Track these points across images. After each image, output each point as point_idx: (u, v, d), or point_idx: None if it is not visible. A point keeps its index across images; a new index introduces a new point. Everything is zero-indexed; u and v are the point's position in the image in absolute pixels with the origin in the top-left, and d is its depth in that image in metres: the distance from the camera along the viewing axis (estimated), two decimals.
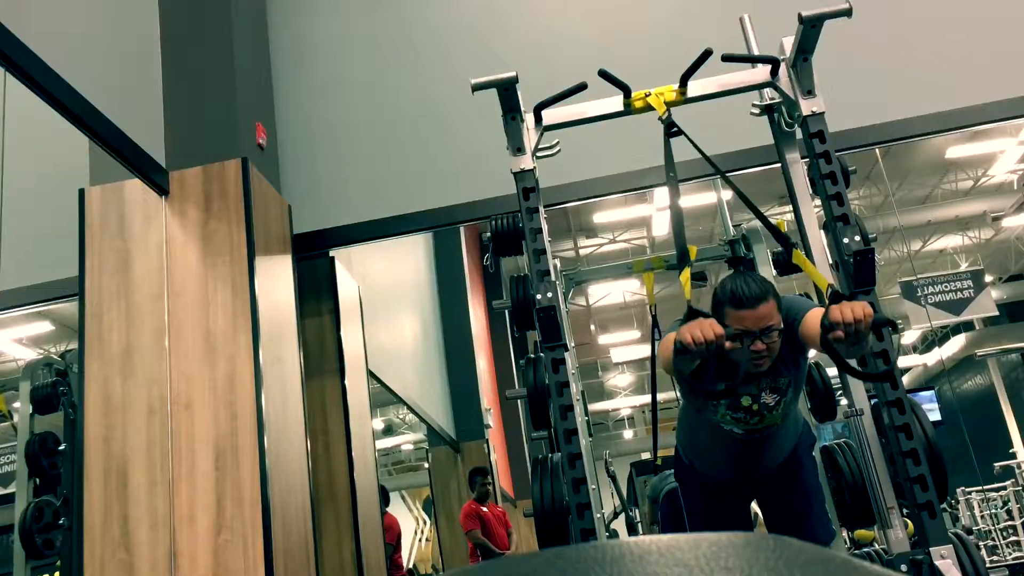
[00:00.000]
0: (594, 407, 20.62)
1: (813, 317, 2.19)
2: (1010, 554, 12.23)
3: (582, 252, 14.07)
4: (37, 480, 4.15)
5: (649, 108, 2.87)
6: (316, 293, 4.13)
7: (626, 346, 16.79)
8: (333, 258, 4.23)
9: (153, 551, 2.93)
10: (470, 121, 4.00)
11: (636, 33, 4.08)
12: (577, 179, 3.86)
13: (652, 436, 4.19)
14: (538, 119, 2.94)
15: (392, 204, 4.02)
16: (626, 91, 2.88)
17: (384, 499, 6.28)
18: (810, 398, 3.97)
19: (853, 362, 2.41)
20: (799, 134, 2.90)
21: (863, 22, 3.09)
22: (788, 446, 2.68)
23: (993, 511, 12.93)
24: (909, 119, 3.72)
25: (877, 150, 10.17)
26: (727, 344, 2.04)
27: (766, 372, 2.37)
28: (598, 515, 2.61)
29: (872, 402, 2.61)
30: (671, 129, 2.63)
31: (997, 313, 12.16)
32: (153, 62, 3.56)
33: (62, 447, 4.24)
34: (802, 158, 2.95)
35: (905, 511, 2.51)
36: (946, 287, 10.89)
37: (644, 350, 16.21)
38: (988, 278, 14.07)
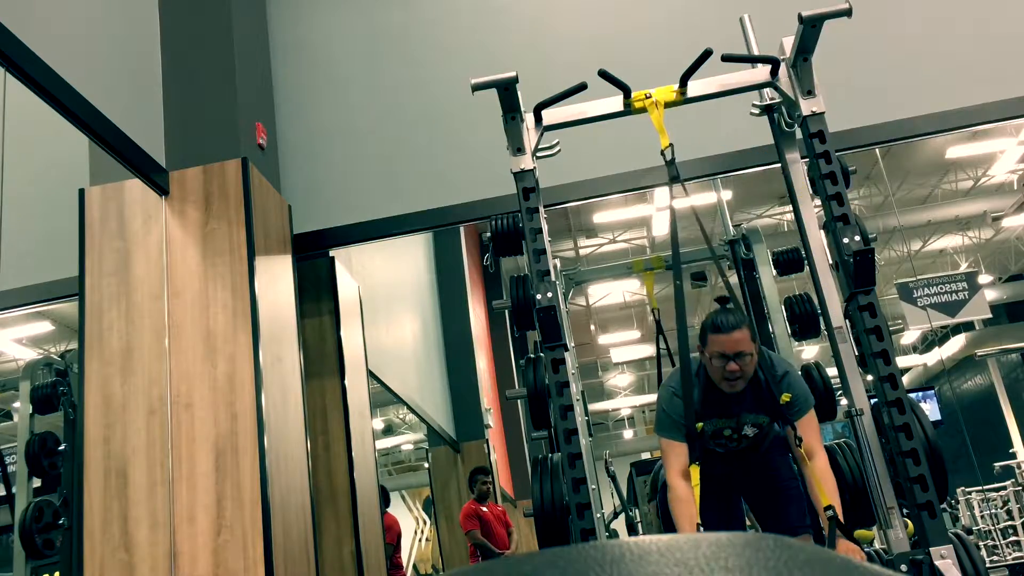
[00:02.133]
0: (594, 407, 20.62)
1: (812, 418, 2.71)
2: (1010, 554, 12.23)
3: (582, 252, 14.06)
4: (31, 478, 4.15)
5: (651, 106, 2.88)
6: (316, 293, 4.13)
7: (626, 346, 16.79)
8: (333, 258, 4.23)
9: (153, 551, 2.93)
10: (470, 121, 4.00)
11: (636, 33, 4.08)
12: (577, 179, 3.86)
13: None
14: (538, 119, 2.94)
15: (392, 204, 4.02)
16: (626, 91, 2.88)
17: (384, 499, 6.28)
18: None
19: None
20: (799, 134, 2.90)
21: (863, 22, 3.09)
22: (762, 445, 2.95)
23: (993, 511, 12.93)
24: (909, 119, 3.72)
25: (877, 150, 10.17)
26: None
27: (751, 409, 2.73)
28: (598, 515, 2.61)
29: (872, 402, 2.61)
30: (670, 167, 2.78)
31: (991, 315, 12.14)
32: (153, 62, 3.56)
33: (62, 447, 4.24)
34: (802, 158, 2.95)
35: (905, 511, 2.51)
36: (941, 288, 10.88)
37: (644, 350, 16.22)
38: (986, 279, 14.09)
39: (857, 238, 2.54)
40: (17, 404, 4.50)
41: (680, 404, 2.67)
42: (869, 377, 2.61)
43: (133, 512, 2.98)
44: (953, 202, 13.15)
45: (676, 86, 2.90)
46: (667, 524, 3.16)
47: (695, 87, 2.90)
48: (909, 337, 17.58)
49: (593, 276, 6.67)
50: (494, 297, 11.38)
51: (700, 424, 2.72)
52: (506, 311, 3.47)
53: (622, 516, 6.84)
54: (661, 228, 12.84)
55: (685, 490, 2.60)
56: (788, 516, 2.93)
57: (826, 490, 2.54)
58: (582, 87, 2.80)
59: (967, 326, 15.10)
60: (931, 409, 10.61)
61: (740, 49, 3.06)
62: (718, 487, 2.91)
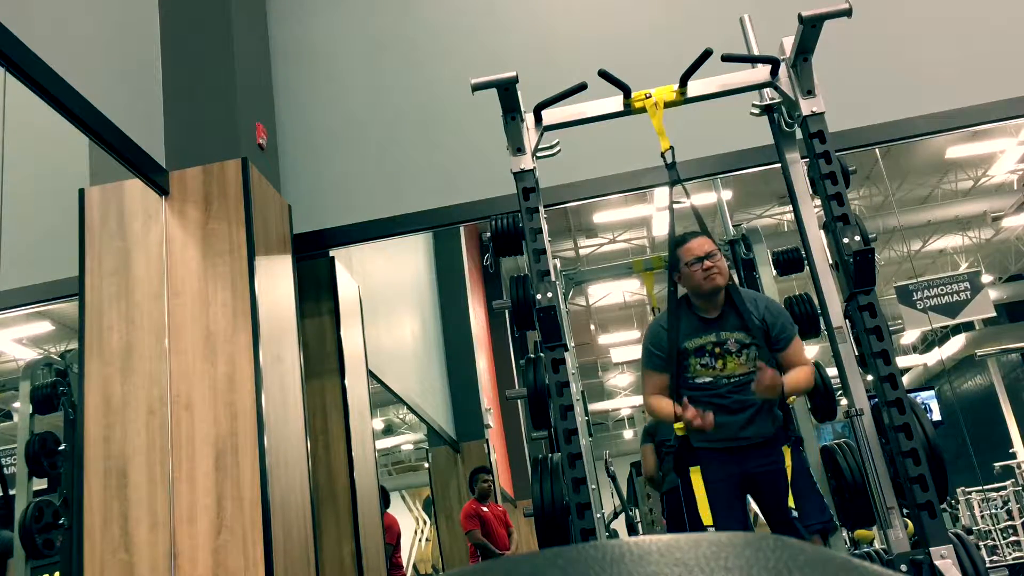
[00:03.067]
0: (594, 407, 20.61)
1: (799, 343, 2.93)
2: (1010, 554, 12.23)
3: (582, 252, 14.06)
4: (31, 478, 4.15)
5: (649, 107, 2.88)
6: (316, 293, 4.13)
7: (626, 346, 16.78)
8: (333, 258, 4.23)
9: (153, 551, 2.93)
10: (470, 121, 4.00)
11: (636, 33, 4.08)
12: (577, 179, 3.86)
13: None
14: (538, 119, 2.94)
15: (392, 204, 4.02)
16: (626, 91, 2.89)
17: (384, 500, 6.28)
18: (810, 398, 3.98)
19: None
20: (799, 134, 2.90)
21: (863, 22, 3.09)
22: (765, 422, 2.87)
23: (993, 511, 12.93)
24: (909, 119, 3.72)
25: (877, 150, 10.17)
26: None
27: (732, 325, 2.88)
28: (598, 515, 2.61)
29: (872, 402, 2.61)
30: (671, 171, 2.92)
31: (995, 314, 12.14)
32: (153, 62, 3.56)
33: (62, 447, 4.24)
34: (802, 158, 2.95)
35: (905, 511, 2.51)
36: (942, 290, 10.85)
37: None
38: (986, 279, 14.08)
39: (857, 238, 2.54)
40: (17, 404, 4.50)
41: (663, 334, 2.93)
42: (869, 377, 2.61)
43: (133, 512, 2.98)
44: (953, 202, 13.15)
45: (676, 86, 2.90)
46: (672, 524, 3.16)
47: (695, 87, 2.90)
48: (909, 337, 17.57)
49: (593, 276, 6.67)
50: (494, 297, 11.37)
51: (688, 343, 2.91)
52: (506, 311, 3.47)
53: (622, 516, 6.84)
54: (661, 228, 12.83)
55: (660, 398, 2.92)
56: (801, 514, 2.82)
57: (797, 379, 2.82)
58: (582, 87, 2.80)
59: (967, 326, 15.10)
60: (931, 408, 10.60)
61: (740, 49, 3.06)
62: (722, 484, 2.85)
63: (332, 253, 4.21)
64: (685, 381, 2.90)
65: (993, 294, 14.12)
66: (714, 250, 2.89)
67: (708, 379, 2.87)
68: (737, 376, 2.86)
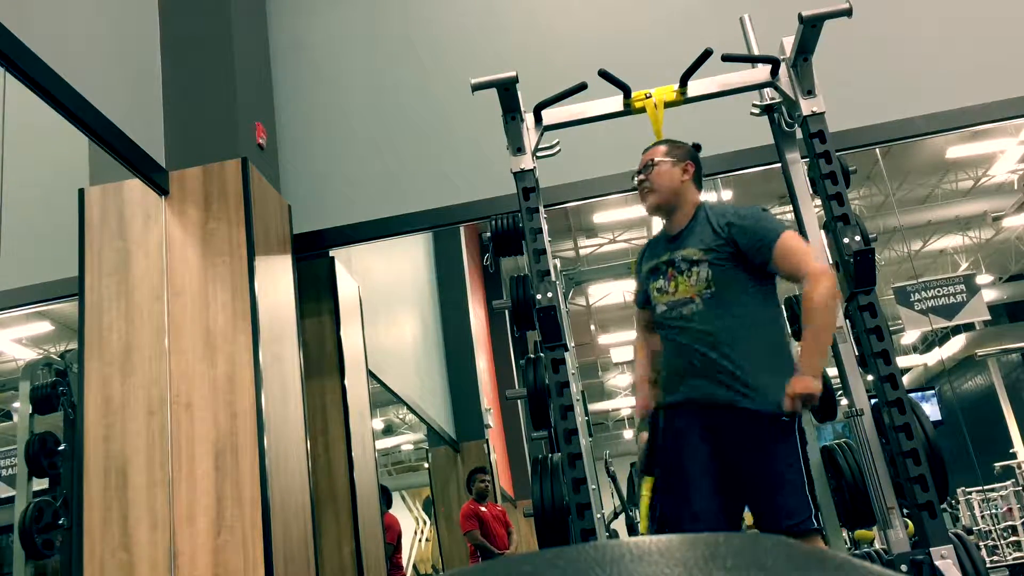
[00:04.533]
0: (594, 407, 20.60)
1: (786, 247, 2.31)
2: (1010, 554, 12.23)
3: (582, 252, 14.05)
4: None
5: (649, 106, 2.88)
6: (316, 293, 4.13)
7: (626, 346, 16.78)
8: (333, 258, 4.23)
9: (153, 551, 2.93)
10: (470, 121, 4.00)
11: (636, 33, 4.08)
12: (577, 179, 3.86)
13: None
14: (538, 119, 2.94)
15: (392, 204, 4.02)
16: (626, 91, 2.89)
17: (386, 500, 6.28)
18: None
19: None
20: (799, 134, 2.90)
21: (863, 22, 3.09)
22: (717, 380, 2.32)
23: (993, 511, 12.93)
24: (909, 119, 3.72)
25: (877, 150, 10.17)
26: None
27: (690, 242, 2.44)
28: (598, 515, 2.61)
29: (872, 402, 2.61)
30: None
31: (989, 317, 12.13)
32: (153, 62, 3.56)
33: (62, 447, 4.24)
34: (802, 158, 2.95)
35: (905, 511, 2.51)
36: (939, 291, 10.87)
37: None
38: (985, 279, 14.07)
39: (857, 238, 2.54)
40: (17, 404, 4.50)
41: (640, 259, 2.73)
42: (869, 377, 2.61)
43: (133, 512, 2.98)
44: (953, 202, 13.14)
45: (676, 86, 2.90)
46: (659, 530, 3.10)
47: (695, 87, 2.90)
48: (909, 337, 17.56)
49: (593, 276, 6.67)
50: (494, 297, 11.37)
51: (646, 267, 2.58)
52: (506, 311, 3.47)
53: (622, 516, 6.83)
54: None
55: (640, 342, 2.68)
56: (784, 509, 2.27)
57: (817, 309, 2.21)
58: (582, 87, 2.81)
59: (967, 326, 15.08)
60: (931, 409, 10.60)
61: (740, 49, 3.06)
62: (679, 436, 2.39)
63: (332, 253, 4.22)
64: (655, 312, 2.50)
65: (993, 294, 14.13)
66: (651, 159, 2.52)
67: (664, 307, 2.45)
68: (683, 301, 2.39)
